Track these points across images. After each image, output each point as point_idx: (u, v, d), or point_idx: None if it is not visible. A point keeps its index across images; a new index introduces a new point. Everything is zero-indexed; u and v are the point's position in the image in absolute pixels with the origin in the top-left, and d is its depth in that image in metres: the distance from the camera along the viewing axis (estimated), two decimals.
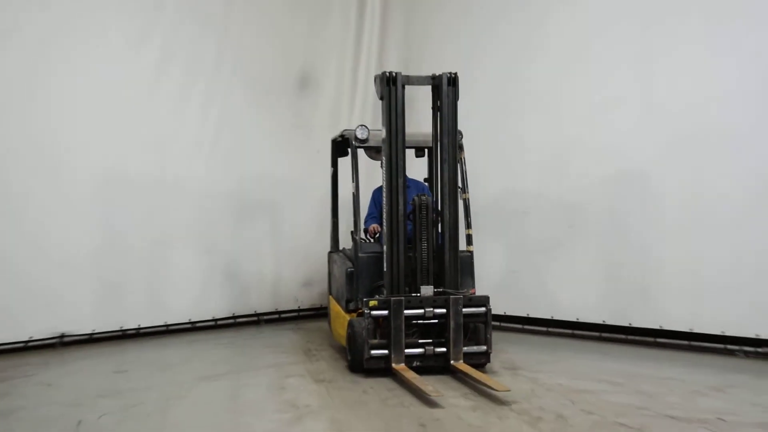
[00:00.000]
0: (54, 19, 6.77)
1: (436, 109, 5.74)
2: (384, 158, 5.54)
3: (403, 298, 5.39)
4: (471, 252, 6.11)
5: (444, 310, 5.43)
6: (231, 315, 8.06)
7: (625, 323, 6.95)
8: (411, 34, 8.87)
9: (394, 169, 5.53)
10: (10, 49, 6.55)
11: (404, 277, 5.56)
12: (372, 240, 6.38)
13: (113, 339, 7.21)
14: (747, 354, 6.28)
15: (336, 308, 6.46)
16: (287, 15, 8.50)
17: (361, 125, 6.00)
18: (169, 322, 7.60)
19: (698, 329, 6.53)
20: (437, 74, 5.63)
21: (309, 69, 8.70)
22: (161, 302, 7.52)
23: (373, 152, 6.41)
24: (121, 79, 7.19)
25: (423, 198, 5.62)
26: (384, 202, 5.57)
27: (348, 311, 5.94)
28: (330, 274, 6.96)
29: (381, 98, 5.56)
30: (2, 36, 6.51)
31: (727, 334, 6.38)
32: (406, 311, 5.35)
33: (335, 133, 9.11)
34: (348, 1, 8.95)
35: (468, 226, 6.12)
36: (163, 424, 4.47)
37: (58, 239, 6.81)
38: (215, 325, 7.93)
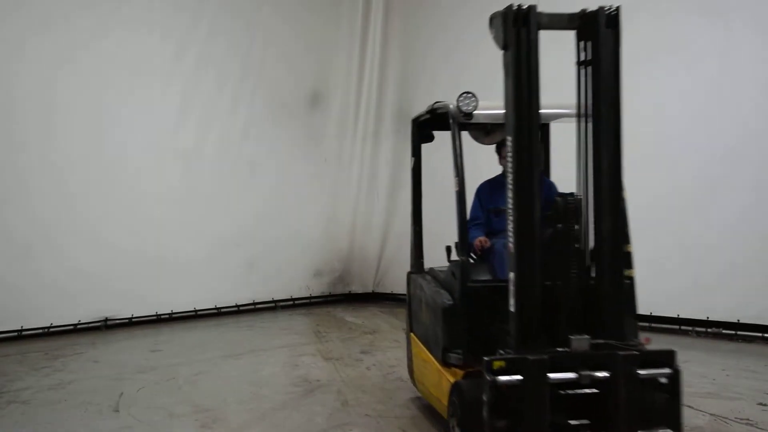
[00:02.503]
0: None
1: (584, 64, 3.26)
2: (510, 138, 3.13)
3: (545, 356, 2.95)
4: (632, 278, 3.39)
5: (608, 374, 2.98)
6: (251, 301, 8.10)
7: None
8: (409, 52, 8.79)
9: (526, 154, 3.12)
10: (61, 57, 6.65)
11: (542, 320, 3.10)
12: (476, 259, 4.01)
13: (149, 322, 7.26)
14: (698, 333, 6.34)
15: (422, 353, 4.08)
16: (301, 41, 8.52)
17: (466, 93, 3.64)
18: (197, 308, 7.65)
19: (656, 312, 6.58)
20: (588, 10, 3.25)
21: (319, 87, 8.72)
22: (191, 290, 7.55)
23: (481, 133, 4.20)
24: (159, 101, 7.29)
25: (571, 199, 3.22)
26: (509, 205, 3.11)
27: (445, 364, 3.64)
28: (410, 302, 4.55)
29: (504, 48, 3.16)
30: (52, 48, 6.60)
31: (682, 316, 6.44)
32: (550, 376, 2.93)
33: (343, 140, 9.17)
34: (353, 26, 8.95)
35: (625, 240, 3.37)
36: (193, 396, 4.52)
37: (106, 239, 6.88)
38: (238, 311, 7.96)
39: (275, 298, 8.32)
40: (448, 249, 4.00)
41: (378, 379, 4.88)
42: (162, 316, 7.36)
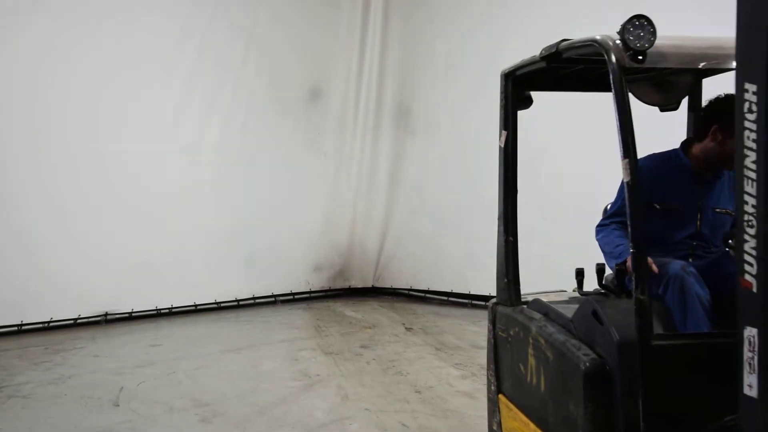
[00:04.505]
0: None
1: None
2: (753, 90, 1.58)
3: None
4: None
5: None
6: (251, 296, 8.10)
7: None
8: (410, 47, 8.72)
9: None
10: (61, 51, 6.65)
11: None
12: (618, 288, 2.50)
13: (149, 317, 7.24)
14: None
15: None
16: (300, 36, 8.50)
17: (639, 17, 2.04)
18: (197, 303, 7.66)
19: None
20: None
21: (319, 80, 8.70)
22: (191, 285, 7.55)
23: (647, 86, 2.68)
24: (159, 97, 7.28)
25: None
26: (748, 207, 1.62)
27: None
28: (496, 347, 3.00)
29: None
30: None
31: None
32: None
33: (343, 135, 9.15)
34: (352, 21, 8.93)
35: None
36: (193, 390, 4.54)
37: (106, 233, 6.87)
38: (237, 305, 7.95)
39: (275, 293, 8.32)
40: (581, 273, 2.66)
41: (378, 374, 4.89)
42: (162, 311, 7.36)
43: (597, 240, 2.70)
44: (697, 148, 2.61)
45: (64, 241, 6.64)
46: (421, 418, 3.91)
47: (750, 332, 1.64)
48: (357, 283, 8.88)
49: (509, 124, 2.96)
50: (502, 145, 3.00)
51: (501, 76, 3.05)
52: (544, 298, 2.75)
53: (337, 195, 8.79)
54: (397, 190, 8.62)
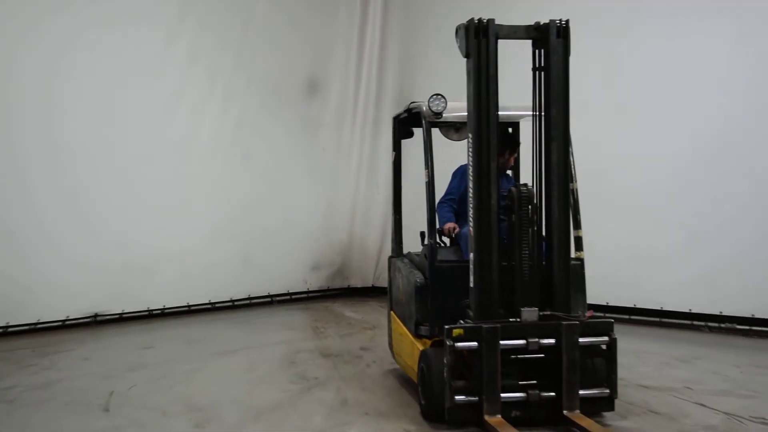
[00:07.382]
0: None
1: (538, 70, 3.96)
2: (470, 136, 3.80)
3: (498, 324, 3.66)
4: (581, 260, 4.19)
5: (553, 341, 3.70)
6: (247, 296, 8.08)
7: (602, 302, 6.98)
8: (409, 39, 8.73)
9: (485, 151, 3.79)
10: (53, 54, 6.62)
11: (498, 295, 3.81)
12: (447, 243, 4.62)
13: (141, 318, 7.22)
14: (711, 329, 6.32)
15: (400, 328, 4.63)
16: (297, 26, 8.46)
17: (436, 95, 4.22)
18: (191, 303, 7.62)
19: (667, 307, 6.55)
20: (541, 22, 3.94)
21: (317, 74, 8.67)
22: (184, 285, 7.53)
23: (451, 130, 4.82)
24: (150, 89, 7.24)
25: (524, 189, 3.87)
26: (470, 195, 3.81)
27: (417, 336, 4.26)
28: (390, 284, 5.01)
29: (466, 56, 3.82)
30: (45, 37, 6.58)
31: (694, 311, 6.42)
32: (502, 342, 3.63)
33: (341, 129, 9.12)
34: (351, 11, 8.90)
35: (576, 225, 4.21)
36: (186, 395, 4.51)
37: (95, 232, 6.87)
38: (233, 306, 7.95)
39: (272, 293, 8.30)
40: (422, 234, 4.52)
41: (378, 377, 4.87)
42: (154, 312, 7.34)
43: (436, 211, 4.48)
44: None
45: (52, 240, 6.61)
46: (422, 423, 3.87)
47: (472, 256, 3.76)
48: (356, 282, 8.87)
49: (397, 148, 5.12)
50: (392, 161, 5.20)
51: (392, 119, 5.10)
52: (413, 252, 4.75)
53: (335, 191, 8.77)
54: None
